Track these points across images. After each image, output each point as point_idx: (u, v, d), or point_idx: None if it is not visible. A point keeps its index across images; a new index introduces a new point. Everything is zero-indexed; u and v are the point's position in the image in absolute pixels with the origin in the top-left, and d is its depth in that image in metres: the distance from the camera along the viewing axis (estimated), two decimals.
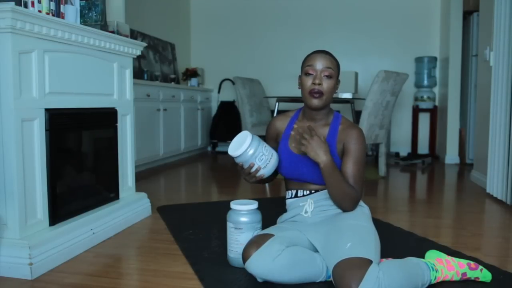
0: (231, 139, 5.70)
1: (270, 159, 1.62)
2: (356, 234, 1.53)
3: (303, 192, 1.73)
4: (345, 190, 1.61)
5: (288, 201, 1.80)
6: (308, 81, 1.65)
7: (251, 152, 1.59)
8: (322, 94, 1.64)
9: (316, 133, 1.58)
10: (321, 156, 1.56)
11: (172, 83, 5.20)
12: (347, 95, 4.47)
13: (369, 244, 1.50)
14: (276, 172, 1.85)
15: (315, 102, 1.65)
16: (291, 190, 1.77)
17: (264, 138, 1.83)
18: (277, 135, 1.81)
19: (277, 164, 1.66)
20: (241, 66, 5.82)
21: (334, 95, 1.72)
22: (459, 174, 4.28)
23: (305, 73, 1.66)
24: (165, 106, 4.52)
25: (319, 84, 1.63)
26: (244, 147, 1.57)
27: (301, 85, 1.68)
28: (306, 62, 1.67)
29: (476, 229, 2.41)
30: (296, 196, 1.75)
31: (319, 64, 1.64)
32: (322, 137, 1.59)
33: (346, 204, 1.64)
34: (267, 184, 3.68)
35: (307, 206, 1.71)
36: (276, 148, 1.80)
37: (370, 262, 1.40)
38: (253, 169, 1.61)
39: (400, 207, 2.97)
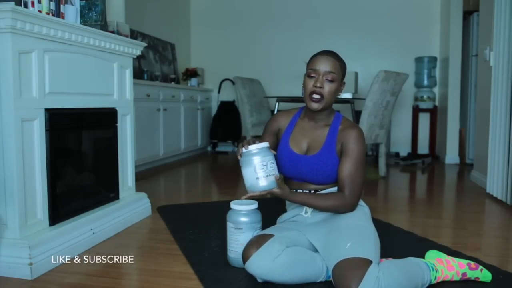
0: (231, 139, 5.75)
1: (266, 176, 1.54)
2: (356, 234, 1.53)
3: (303, 191, 1.73)
4: (330, 206, 1.62)
5: (288, 201, 1.80)
6: (310, 83, 1.65)
7: (256, 154, 1.53)
8: (322, 97, 1.64)
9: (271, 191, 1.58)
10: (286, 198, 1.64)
11: (172, 83, 5.20)
12: (347, 95, 4.47)
13: (369, 244, 1.50)
14: None
15: (314, 105, 1.65)
16: (291, 189, 1.77)
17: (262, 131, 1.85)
18: (278, 131, 1.81)
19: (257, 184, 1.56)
20: (241, 66, 5.81)
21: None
22: (459, 174, 4.28)
23: (308, 75, 1.67)
24: (165, 106, 4.52)
25: (320, 87, 1.63)
26: (254, 147, 1.53)
27: (303, 85, 1.69)
28: (310, 64, 1.67)
29: (476, 229, 2.41)
30: None
31: (322, 67, 1.63)
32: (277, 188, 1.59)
33: (340, 212, 1.65)
34: None
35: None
36: (275, 144, 1.80)
37: (370, 262, 1.40)
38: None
39: (400, 207, 2.97)
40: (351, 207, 1.64)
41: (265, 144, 1.57)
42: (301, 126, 1.76)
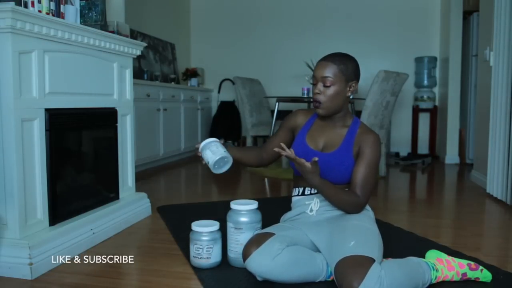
0: (231, 139, 5.75)
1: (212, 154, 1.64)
2: (360, 234, 1.53)
3: (310, 190, 1.73)
4: (343, 200, 1.63)
5: (294, 199, 1.80)
6: (313, 90, 1.69)
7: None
8: (320, 103, 1.66)
9: (300, 161, 1.54)
10: (311, 179, 1.57)
11: (172, 83, 5.20)
12: None
13: (372, 243, 1.50)
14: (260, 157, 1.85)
15: (318, 111, 1.69)
16: (298, 187, 1.77)
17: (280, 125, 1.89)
18: (295, 128, 1.83)
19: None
20: (241, 66, 5.81)
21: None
22: (459, 174, 4.29)
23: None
24: (165, 106, 4.52)
25: (318, 93, 1.66)
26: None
27: None
28: (314, 71, 1.71)
29: (476, 229, 2.41)
30: (303, 194, 1.75)
31: (319, 73, 1.66)
32: (312, 165, 1.54)
33: (348, 210, 1.66)
34: (267, 184, 3.68)
35: (313, 205, 1.72)
36: (289, 139, 1.83)
37: (373, 260, 1.40)
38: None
39: (400, 207, 2.97)
40: (361, 208, 1.66)
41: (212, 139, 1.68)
42: (319, 124, 1.78)
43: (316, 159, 1.53)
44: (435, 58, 5.29)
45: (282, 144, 1.54)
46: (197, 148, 1.66)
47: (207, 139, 1.66)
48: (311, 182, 1.58)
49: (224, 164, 1.62)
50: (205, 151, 1.63)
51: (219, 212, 2.04)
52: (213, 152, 1.61)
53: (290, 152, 1.52)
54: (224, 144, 1.68)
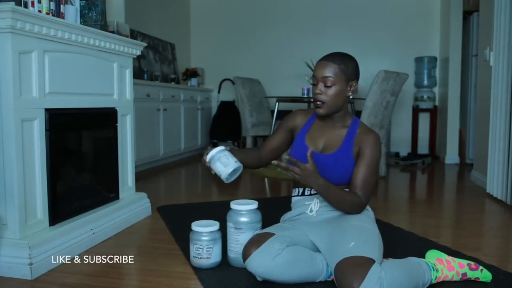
0: (231, 139, 5.75)
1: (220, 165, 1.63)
2: (360, 234, 1.53)
3: (310, 190, 1.73)
4: (346, 201, 1.62)
5: (293, 199, 1.80)
6: (313, 90, 1.68)
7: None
8: (322, 103, 1.65)
9: (302, 164, 1.53)
10: (312, 183, 1.55)
11: (172, 83, 5.20)
12: None
13: (372, 244, 1.50)
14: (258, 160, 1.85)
15: (319, 111, 1.68)
16: (298, 187, 1.77)
17: (277, 125, 1.88)
18: (294, 128, 1.82)
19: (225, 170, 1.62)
20: (241, 66, 5.81)
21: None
22: (459, 174, 4.29)
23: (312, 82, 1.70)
24: (165, 106, 4.52)
25: (319, 93, 1.65)
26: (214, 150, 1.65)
27: None
28: (313, 71, 1.70)
29: (476, 229, 2.41)
30: (303, 194, 1.75)
31: (319, 73, 1.65)
32: (310, 163, 1.54)
33: (349, 211, 1.66)
34: (267, 184, 3.68)
35: (313, 205, 1.71)
36: (287, 140, 1.83)
37: (373, 261, 1.40)
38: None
39: (400, 207, 2.97)
40: (362, 208, 1.66)
41: (220, 147, 1.66)
42: (318, 124, 1.77)
43: (309, 152, 1.52)
44: (435, 58, 5.29)
45: (281, 158, 1.54)
46: (205, 158, 1.64)
47: (214, 148, 1.64)
48: (314, 184, 1.55)
49: (235, 173, 1.64)
50: (215, 163, 1.62)
51: (219, 212, 2.04)
52: (225, 164, 1.60)
53: (286, 165, 1.51)
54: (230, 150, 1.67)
